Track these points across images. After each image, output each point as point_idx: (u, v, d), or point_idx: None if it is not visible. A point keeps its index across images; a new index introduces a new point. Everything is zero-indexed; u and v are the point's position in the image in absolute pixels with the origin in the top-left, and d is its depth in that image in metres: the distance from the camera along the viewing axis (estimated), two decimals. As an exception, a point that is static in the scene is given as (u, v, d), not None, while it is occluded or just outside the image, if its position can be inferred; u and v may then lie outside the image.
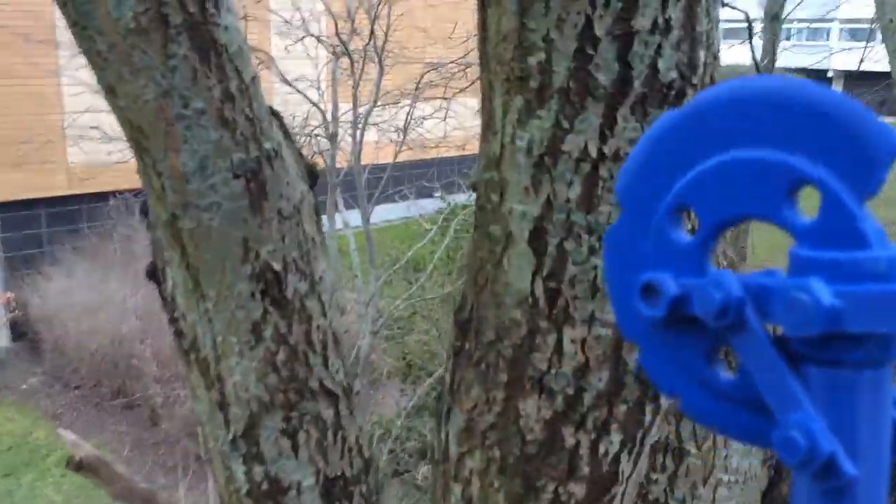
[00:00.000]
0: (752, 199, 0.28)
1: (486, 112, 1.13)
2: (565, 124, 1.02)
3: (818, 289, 0.26)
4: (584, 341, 1.12)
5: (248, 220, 1.42)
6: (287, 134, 1.55)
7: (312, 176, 1.61)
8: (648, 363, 0.33)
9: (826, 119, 0.27)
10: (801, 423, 0.27)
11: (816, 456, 0.26)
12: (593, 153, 1.03)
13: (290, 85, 5.56)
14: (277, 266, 1.47)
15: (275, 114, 1.53)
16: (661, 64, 0.98)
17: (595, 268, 1.09)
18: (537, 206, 1.08)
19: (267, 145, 1.42)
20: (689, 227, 0.34)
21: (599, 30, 0.96)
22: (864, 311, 0.25)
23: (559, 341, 1.12)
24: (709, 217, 0.30)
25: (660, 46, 0.97)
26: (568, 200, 1.06)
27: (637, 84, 0.99)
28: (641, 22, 0.96)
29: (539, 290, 1.12)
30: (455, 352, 1.25)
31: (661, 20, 0.96)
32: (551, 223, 1.08)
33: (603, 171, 1.04)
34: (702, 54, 1.02)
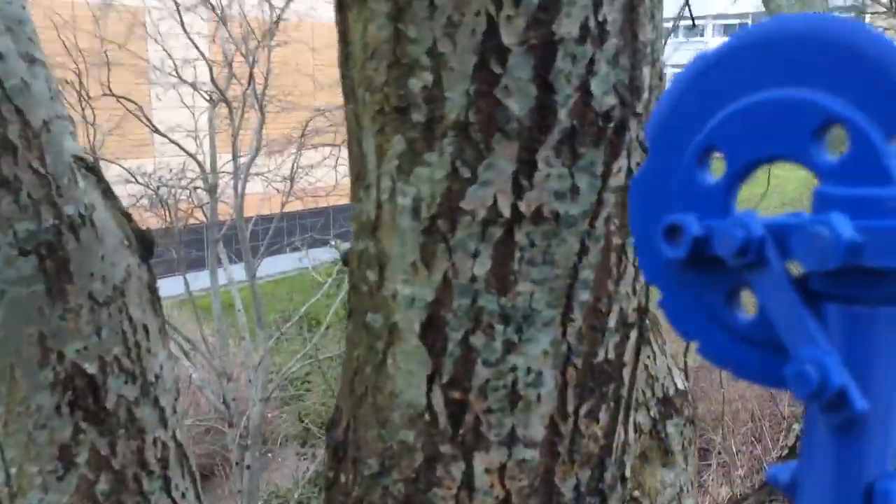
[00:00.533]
0: (779, 139, 0.28)
1: (355, 159, 0.81)
2: (465, 173, 0.72)
3: (839, 223, 0.26)
4: (502, 469, 0.80)
5: (44, 311, 1.05)
6: (107, 192, 1.19)
7: (145, 245, 1.25)
8: (669, 305, 0.33)
9: (855, 56, 0.26)
10: (814, 357, 0.27)
11: (827, 388, 0.26)
12: (505, 211, 0.73)
13: (161, 135, 5.11)
14: (91, 368, 1.10)
15: (89, 167, 1.17)
16: (594, 85, 0.70)
17: (514, 369, 0.79)
18: (431, 289, 0.77)
19: (69, 209, 1.06)
20: (716, 169, 0.32)
21: (508, 37, 0.67)
22: (883, 246, 0.25)
23: (468, 471, 0.80)
24: (736, 158, 0.30)
25: (592, 61, 0.69)
26: (473, 279, 0.76)
27: (563, 114, 0.70)
28: (566, 26, 0.67)
29: (438, 403, 0.80)
30: (327, 485, 0.91)
31: (592, 23, 0.67)
32: (451, 311, 0.77)
33: (520, 237, 0.74)
34: (646, 72, 0.74)
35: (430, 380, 0.80)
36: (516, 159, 0.71)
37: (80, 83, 4.93)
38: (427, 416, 0.81)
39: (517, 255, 0.75)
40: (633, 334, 0.85)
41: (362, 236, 0.82)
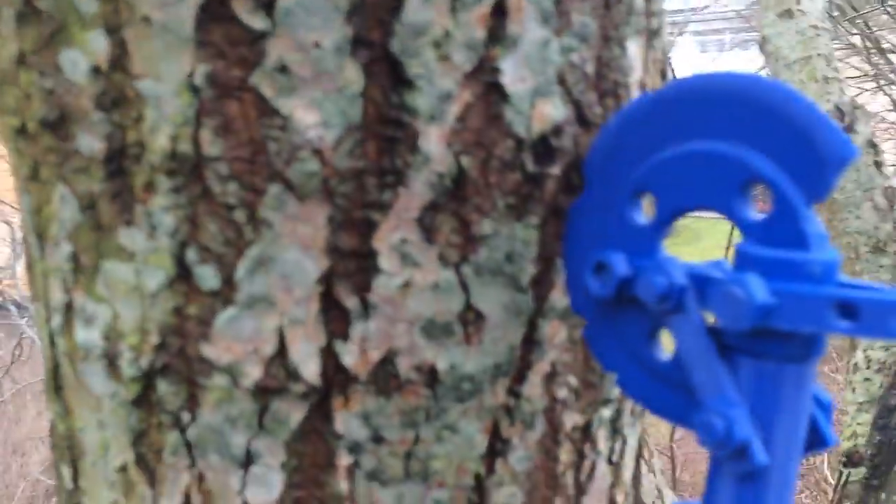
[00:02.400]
0: (707, 191, 0.29)
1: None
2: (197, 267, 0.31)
3: (754, 284, 0.26)
4: None
5: None
6: None
7: None
8: (592, 338, 0.32)
9: (784, 120, 0.27)
10: (721, 410, 0.28)
11: (731, 441, 0.27)
12: (308, 369, 0.31)
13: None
14: None
15: None
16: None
17: None
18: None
19: None
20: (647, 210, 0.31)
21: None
22: (794, 310, 0.26)
23: None
24: (665, 203, 0.30)
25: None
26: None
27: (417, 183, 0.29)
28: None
29: None
30: None
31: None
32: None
33: (346, 420, 0.32)
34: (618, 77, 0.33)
35: None
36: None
37: None
38: None
39: (342, 457, 0.33)
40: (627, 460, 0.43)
41: (49, 392, 0.39)
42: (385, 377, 0.33)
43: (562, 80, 0.32)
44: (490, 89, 0.31)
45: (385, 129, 0.30)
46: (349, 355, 0.32)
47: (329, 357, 0.32)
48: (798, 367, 0.28)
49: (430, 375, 0.33)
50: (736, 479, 0.28)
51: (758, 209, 0.29)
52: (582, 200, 0.32)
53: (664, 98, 0.30)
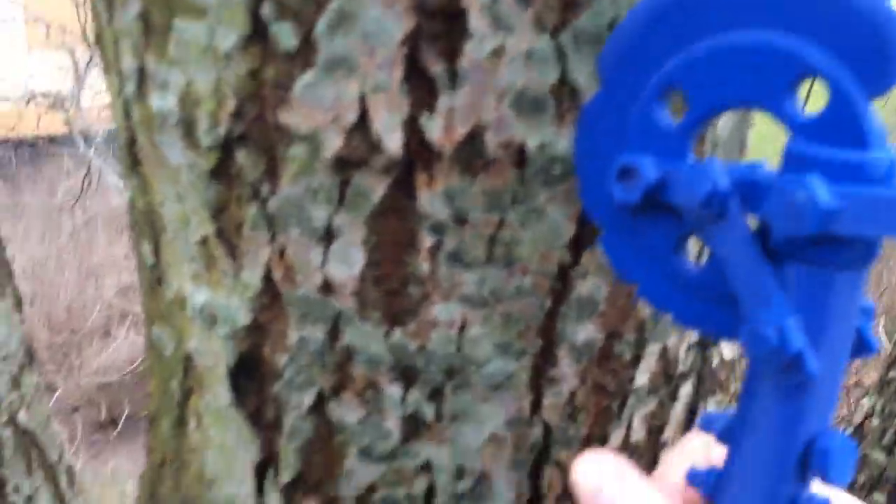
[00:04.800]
0: (752, 86, 0.26)
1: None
2: (287, 42, 0.29)
3: (817, 187, 0.24)
4: None
5: None
6: None
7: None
8: (611, 247, 0.30)
9: (844, 7, 0.24)
10: (773, 318, 0.26)
11: (785, 351, 0.26)
12: (392, 141, 0.30)
13: None
14: None
15: None
16: None
17: (427, 469, 0.37)
18: (241, 298, 0.35)
19: None
20: (676, 110, 0.29)
21: None
22: (858, 214, 0.24)
23: None
24: (700, 101, 0.27)
25: None
26: (327, 286, 0.33)
27: None
28: None
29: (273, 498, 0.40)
30: None
31: None
32: (284, 349, 0.35)
33: (430, 199, 0.31)
34: None
35: (260, 472, 0.39)
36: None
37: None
38: (259, 533, 0.41)
39: (425, 237, 0.32)
40: (686, 390, 0.43)
41: (126, 168, 0.39)
42: (471, 154, 0.31)
43: None
44: None
45: None
46: (434, 129, 0.30)
47: (413, 131, 0.30)
48: (852, 273, 0.26)
49: (519, 155, 0.31)
50: (782, 390, 0.27)
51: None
52: (597, 101, 0.29)
53: None
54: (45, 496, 0.93)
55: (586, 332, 0.36)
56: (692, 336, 0.42)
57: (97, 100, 3.77)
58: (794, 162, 0.25)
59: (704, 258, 0.38)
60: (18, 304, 0.93)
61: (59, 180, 5.27)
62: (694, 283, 0.29)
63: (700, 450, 0.29)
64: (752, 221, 0.27)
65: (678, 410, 0.43)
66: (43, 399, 0.96)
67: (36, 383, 0.94)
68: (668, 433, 0.43)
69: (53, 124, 4.06)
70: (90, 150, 3.56)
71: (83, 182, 3.95)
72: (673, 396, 0.42)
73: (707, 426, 0.28)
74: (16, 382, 0.89)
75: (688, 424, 0.44)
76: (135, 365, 4.17)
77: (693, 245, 0.30)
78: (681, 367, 0.41)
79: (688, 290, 0.30)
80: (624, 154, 0.28)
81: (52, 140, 4.38)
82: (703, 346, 0.43)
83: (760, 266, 0.27)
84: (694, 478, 0.28)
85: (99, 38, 0.36)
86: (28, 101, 3.56)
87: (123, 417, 3.89)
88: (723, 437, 0.28)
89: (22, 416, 0.90)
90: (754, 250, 0.27)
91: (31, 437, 0.92)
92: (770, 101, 0.26)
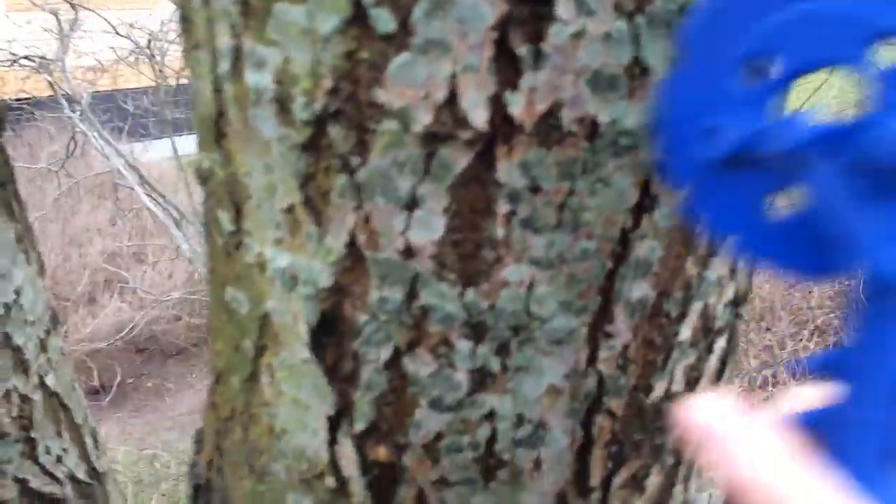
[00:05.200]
0: (832, 47, 0.28)
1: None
2: (385, 24, 0.31)
3: None
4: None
5: None
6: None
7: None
8: (702, 206, 0.32)
9: None
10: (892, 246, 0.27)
11: None
12: (478, 117, 0.32)
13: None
14: None
15: None
16: None
17: (491, 418, 0.40)
18: (324, 262, 0.38)
19: None
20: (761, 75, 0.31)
21: None
22: None
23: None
24: (789, 61, 0.30)
25: None
26: (409, 250, 0.36)
27: None
28: None
29: (349, 463, 0.43)
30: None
31: None
32: (365, 307, 0.38)
33: (507, 168, 0.34)
34: None
35: (334, 423, 0.42)
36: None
37: None
38: (331, 481, 0.44)
39: (501, 205, 0.35)
40: (721, 344, 0.46)
41: (206, 141, 0.41)
42: (548, 129, 0.34)
43: None
44: None
45: None
46: (517, 105, 0.33)
47: (497, 107, 0.33)
48: None
49: (592, 128, 0.34)
50: None
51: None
52: (681, 74, 0.32)
53: None
54: (72, 456, 0.96)
55: (641, 290, 0.39)
56: (729, 294, 0.45)
57: (82, 62, 3.72)
58: (882, 105, 0.27)
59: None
60: (42, 269, 0.95)
61: (40, 145, 5.20)
62: (792, 231, 0.31)
63: (801, 397, 0.30)
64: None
65: (712, 363, 0.47)
66: (67, 362, 0.98)
67: (60, 347, 0.96)
68: (704, 384, 0.47)
69: (36, 87, 4.00)
70: (75, 115, 3.52)
71: (67, 147, 3.89)
72: (709, 350, 0.46)
73: (821, 366, 0.29)
74: (43, 346, 0.92)
75: (719, 376, 0.48)
76: (122, 333, 4.17)
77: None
78: (718, 323, 0.45)
79: (785, 238, 0.31)
80: (708, 117, 0.31)
81: (34, 104, 4.31)
82: (736, 304, 0.47)
83: (868, 200, 0.28)
84: (807, 418, 0.29)
85: (184, 19, 0.38)
86: (12, 64, 3.50)
87: (115, 385, 3.91)
88: (840, 374, 0.29)
89: (50, 379, 0.92)
90: (856, 192, 0.28)
91: (58, 399, 0.94)
92: (850, 58, 0.28)
